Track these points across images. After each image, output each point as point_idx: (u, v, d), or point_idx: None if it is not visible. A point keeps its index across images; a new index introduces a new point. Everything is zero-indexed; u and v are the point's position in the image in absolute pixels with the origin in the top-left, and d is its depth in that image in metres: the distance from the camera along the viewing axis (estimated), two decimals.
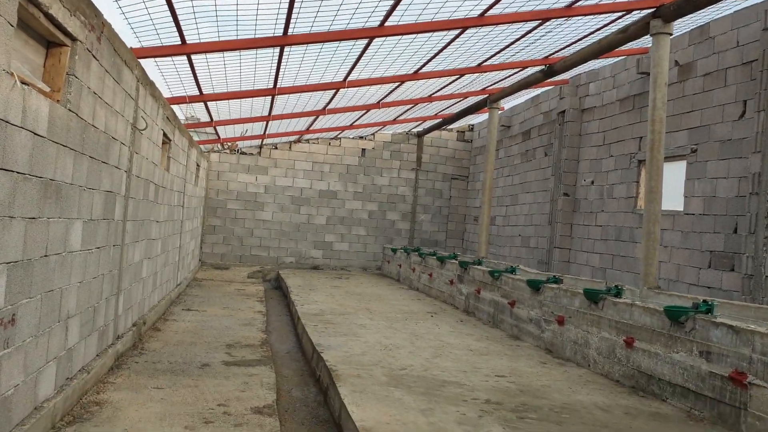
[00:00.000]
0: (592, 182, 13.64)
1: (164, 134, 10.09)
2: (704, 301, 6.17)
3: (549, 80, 13.62)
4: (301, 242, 20.20)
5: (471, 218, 20.85)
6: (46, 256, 4.74)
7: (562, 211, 14.26)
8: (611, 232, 12.76)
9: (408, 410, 5.51)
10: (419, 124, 19.48)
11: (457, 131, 21.38)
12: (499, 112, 18.28)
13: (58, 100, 4.90)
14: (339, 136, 20.18)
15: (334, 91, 12.10)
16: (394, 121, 17.81)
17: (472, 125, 21.40)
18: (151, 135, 8.80)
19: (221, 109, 12.94)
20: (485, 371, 7.14)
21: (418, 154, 21.04)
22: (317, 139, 20.08)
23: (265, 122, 14.58)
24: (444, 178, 21.32)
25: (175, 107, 12.29)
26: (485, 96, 14.67)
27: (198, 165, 15.80)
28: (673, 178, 10.85)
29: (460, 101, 15.84)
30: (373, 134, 20.58)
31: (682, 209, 10.78)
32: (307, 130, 17.11)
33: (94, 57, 5.55)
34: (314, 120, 15.34)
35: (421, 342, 8.78)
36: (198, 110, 13.45)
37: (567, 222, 14.28)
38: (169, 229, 11.49)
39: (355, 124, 17.27)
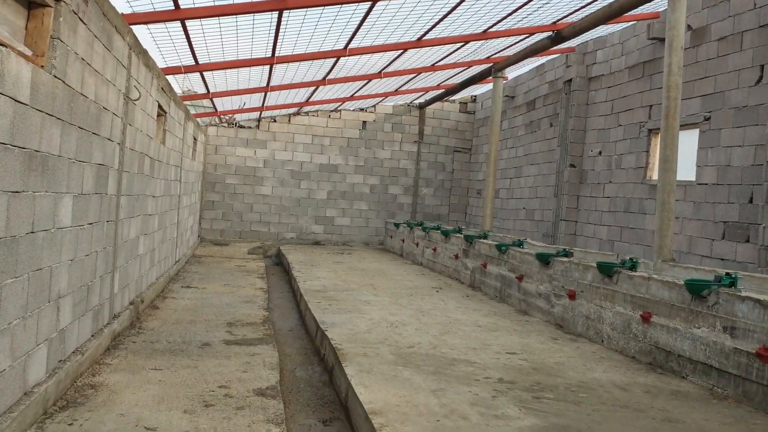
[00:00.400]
0: (600, 153, 13.30)
1: (159, 106, 9.74)
2: (727, 273, 5.89)
3: (556, 47, 13.19)
4: (302, 217, 19.91)
5: (474, 191, 20.53)
6: (32, 232, 4.43)
7: (569, 183, 13.95)
8: (619, 204, 12.46)
9: (418, 391, 5.25)
10: (421, 95, 19.08)
11: (460, 102, 20.97)
12: (504, 82, 17.90)
13: (42, 66, 4.56)
14: (339, 109, 19.78)
15: (335, 59, 11.71)
16: (396, 92, 17.41)
17: (475, 96, 20.99)
18: (146, 106, 8.45)
19: (218, 81, 12.56)
20: (496, 348, 6.88)
21: (420, 127, 20.65)
22: (317, 111, 19.68)
23: (263, 93, 14.20)
24: (446, 151, 20.96)
25: (170, 78, 11.91)
26: (490, 65, 14.26)
27: (195, 139, 15.45)
28: (685, 147, 10.51)
29: (463, 71, 15.43)
30: (374, 106, 20.18)
31: (694, 179, 10.46)
32: (307, 102, 16.73)
33: (81, 20, 5.19)
34: (314, 91, 14.95)
35: (428, 318, 8.52)
36: (194, 83, 13.06)
37: (573, 194, 13.96)
38: (166, 204, 11.18)
39: (356, 95, 16.87)
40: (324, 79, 13.51)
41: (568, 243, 13.79)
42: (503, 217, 17.91)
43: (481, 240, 11.37)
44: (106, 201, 6.50)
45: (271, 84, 13.18)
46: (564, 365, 6.31)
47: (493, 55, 14.03)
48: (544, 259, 8.63)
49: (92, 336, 6.31)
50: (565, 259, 8.32)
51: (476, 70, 15.13)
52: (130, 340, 7.18)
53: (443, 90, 17.84)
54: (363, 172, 20.27)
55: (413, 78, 15.72)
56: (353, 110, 20.08)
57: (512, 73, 17.41)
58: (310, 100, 16.55)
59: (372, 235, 20.43)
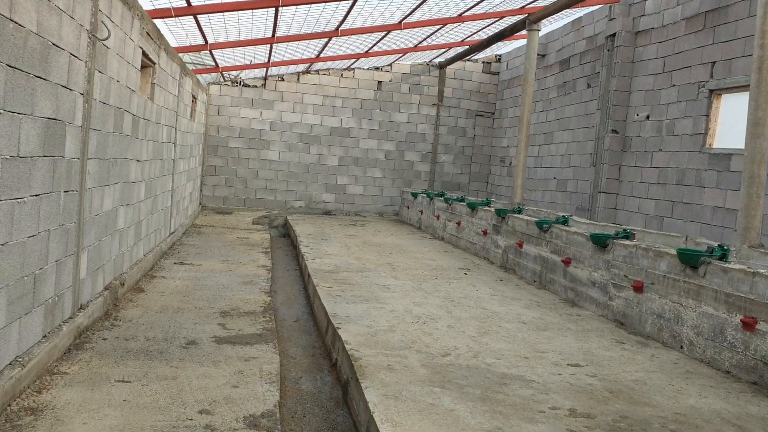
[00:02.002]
0: (648, 117, 11.75)
1: (144, 55, 8.28)
2: None
3: None
4: (311, 185, 18.48)
5: (497, 159, 19.00)
6: None
7: (610, 151, 12.43)
8: (671, 175, 10.95)
9: None
10: (443, 52, 17.45)
11: (483, 62, 19.33)
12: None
13: None
14: (352, 67, 18.20)
15: (350, 3, 10.16)
16: (416, 48, 15.81)
17: (500, 56, 19.34)
18: (123, 52, 6.99)
19: (217, 29, 11.04)
20: (552, 357, 5.49)
21: (439, 88, 19.06)
22: (328, 69, 18.12)
23: (269, 46, 12.67)
24: (468, 115, 19.38)
25: (165, 30, 10.41)
26: (524, 16, 12.65)
27: (194, 97, 13.98)
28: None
29: (493, 23, 13.81)
30: (390, 65, 18.58)
31: None
32: (317, 58, 15.17)
33: None
34: (326, 44, 13.39)
35: (460, 311, 7.13)
36: (191, 33, 11.54)
37: (615, 163, 12.45)
38: (157, 169, 9.78)
39: (371, 51, 15.30)
40: (337, 29, 11.96)
41: (608, 218, 12.33)
42: (531, 187, 16.41)
43: (516, 215, 9.92)
44: (62, 166, 5.10)
45: (278, 34, 11.65)
46: (646, 385, 4.91)
47: (527, 4, 12.42)
48: (601, 242, 7.19)
49: (44, 337, 4.96)
50: (627, 242, 6.88)
51: (508, 22, 13.51)
52: (101, 336, 5.84)
53: (467, 47, 16.23)
54: (377, 137, 18.77)
55: (436, 32, 14.14)
56: (367, 69, 18.49)
57: (544, 28, 15.74)
58: (321, 55, 14.99)
59: (386, 205, 19.00)
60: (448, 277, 9.22)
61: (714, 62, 10.18)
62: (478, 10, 12.20)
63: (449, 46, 16.25)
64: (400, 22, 12.16)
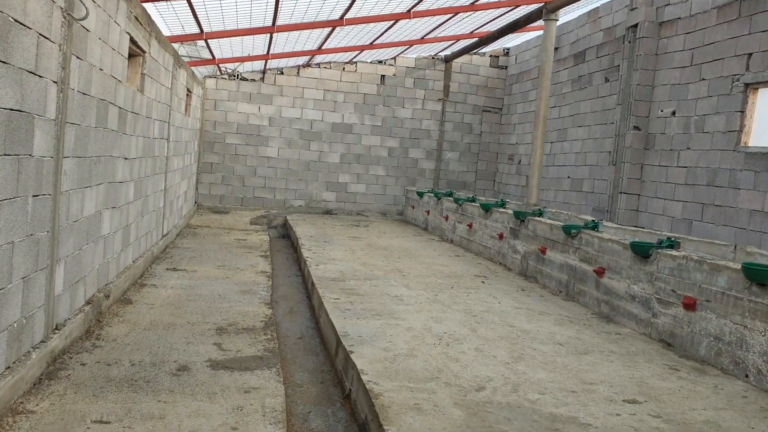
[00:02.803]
0: (673, 113, 11.00)
1: (133, 41, 7.49)
2: None
3: None
4: (312, 183, 17.68)
5: (504, 157, 18.23)
6: None
7: (632, 149, 11.66)
8: (701, 175, 10.20)
9: None
10: (451, 45, 16.64)
11: (491, 56, 18.54)
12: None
13: None
14: (355, 60, 17.41)
15: None
16: (423, 40, 15.02)
17: (508, 49, 18.55)
18: (108, 36, 6.21)
19: (213, 17, 10.24)
20: (603, 390, 4.72)
21: (445, 82, 18.28)
22: (329, 63, 17.31)
23: (268, 36, 11.86)
24: (474, 111, 18.59)
25: (152, 12, 9.61)
26: (540, 5, 11.88)
27: (189, 91, 13.19)
28: None
29: (504, 14, 13.04)
30: (393, 58, 17.79)
31: None
32: (319, 50, 14.37)
33: None
34: (329, 34, 12.59)
35: (485, 328, 6.36)
36: (186, 23, 10.73)
37: (637, 162, 11.69)
38: (148, 167, 9.00)
39: (376, 42, 14.50)
40: (342, 17, 11.16)
41: (629, 220, 11.58)
42: (542, 187, 15.63)
43: (537, 218, 9.15)
44: (29, 166, 4.31)
45: (278, 23, 10.86)
46: (721, 428, 4.14)
47: None
48: (643, 251, 6.43)
49: (7, 369, 4.19)
50: (675, 252, 6.11)
51: (521, 12, 12.73)
52: (79, 361, 5.07)
53: (476, 39, 15.45)
54: (381, 133, 17.97)
55: (445, 22, 13.36)
56: (370, 62, 17.70)
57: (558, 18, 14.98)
58: (323, 47, 14.19)
59: (390, 204, 18.22)
60: (465, 287, 8.46)
61: (751, 54, 9.41)
62: None
63: (457, 38, 15.48)
64: (409, 10, 11.38)
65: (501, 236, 10.25)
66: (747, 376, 5.10)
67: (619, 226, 8.27)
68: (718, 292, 5.46)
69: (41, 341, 4.84)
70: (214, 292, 7.94)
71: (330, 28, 11.82)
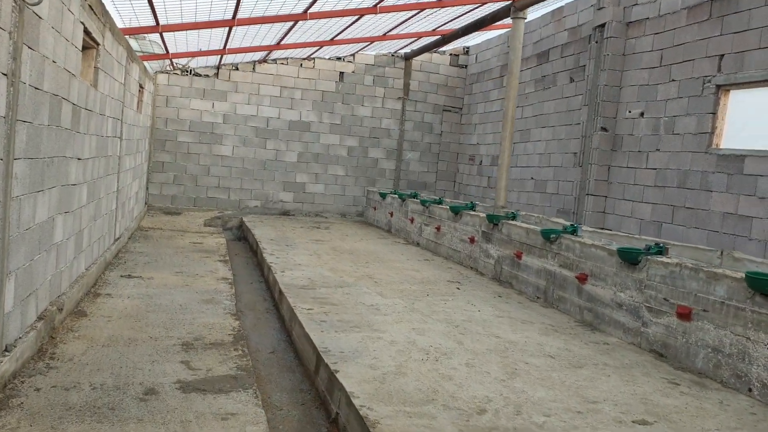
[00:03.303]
0: (642, 114, 10.91)
1: (86, 32, 6.92)
2: None
3: None
4: (268, 183, 17.14)
5: (465, 157, 18.02)
6: None
7: (599, 150, 11.54)
8: (671, 177, 10.12)
9: None
10: (412, 42, 16.32)
11: (451, 54, 18.30)
12: (508, 29, 15.35)
13: None
14: (313, 56, 16.93)
15: None
16: (384, 37, 14.66)
17: (468, 48, 18.35)
18: (61, 26, 5.66)
19: (171, 9, 9.67)
20: (609, 410, 4.44)
21: (405, 81, 17.96)
22: (286, 59, 16.80)
23: (226, 30, 11.32)
24: (435, 110, 18.33)
25: (106, 2, 8.99)
26: (508, 3, 11.65)
27: (141, 87, 12.52)
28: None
29: (468, 12, 12.76)
30: (352, 55, 17.38)
31: None
32: (278, 45, 13.86)
33: None
34: (290, 29, 12.11)
35: (471, 340, 6.04)
36: (142, 14, 10.12)
37: (604, 163, 11.57)
38: (101, 168, 8.40)
39: (336, 39, 14.08)
40: (306, 11, 10.71)
41: (596, 222, 11.46)
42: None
43: (511, 222, 8.90)
44: None
45: (239, 16, 10.34)
46: None
47: None
48: (631, 258, 6.20)
49: None
50: (667, 260, 5.90)
51: (488, 10, 12.49)
52: (32, 386, 4.55)
53: (439, 37, 15.17)
54: (339, 132, 17.55)
55: (409, 19, 13.03)
56: (329, 59, 17.25)
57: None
58: (283, 42, 13.69)
59: (349, 205, 17.81)
60: (441, 293, 8.14)
61: (722, 55, 9.35)
62: None
63: (419, 36, 15.18)
64: (375, 5, 11.00)
65: (472, 240, 9.97)
66: (750, 390, 4.90)
67: (595, 230, 8.08)
68: (716, 301, 5.26)
69: None
70: (174, 302, 7.42)
71: (292, 23, 11.35)
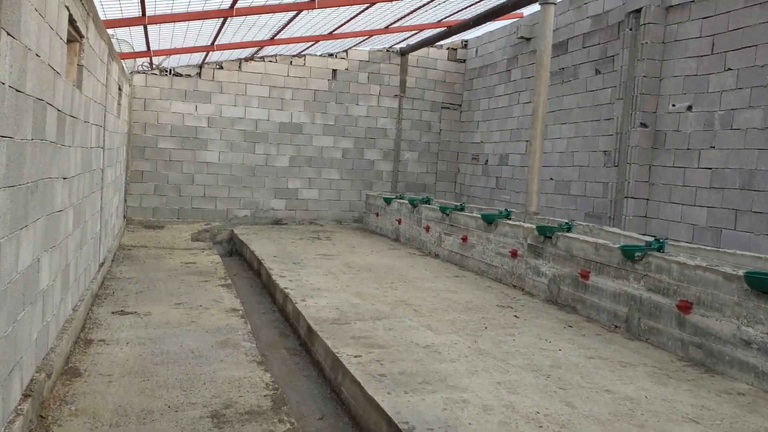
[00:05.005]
0: (689, 107, 9.82)
1: (72, 22, 5.55)
2: None
3: None
4: (258, 190, 15.74)
5: (467, 156, 16.83)
6: None
7: (638, 148, 10.43)
8: (732, 178, 9.04)
9: None
10: (414, 34, 15.04)
11: (448, 48, 17.08)
12: (517, 20, 14.22)
13: None
14: (303, 53, 15.57)
15: None
16: (387, 30, 13.37)
17: (466, 41, 17.15)
18: (45, 9, 4.29)
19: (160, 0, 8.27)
20: None
21: (401, 77, 16.69)
22: (275, 56, 15.41)
23: (220, 21, 9.93)
24: (433, 108, 17.10)
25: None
26: None
27: (120, 88, 11.06)
28: None
29: (478, 2, 11.49)
30: (345, 51, 16.06)
31: None
32: (272, 40, 12.47)
33: None
34: (290, 20, 10.74)
35: (581, 399, 4.80)
36: (126, 4, 8.68)
37: (645, 163, 10.46)
38: (86, 186, 7.01)
39: (335, 32, 12.75)
40: None
41: (637, 227, 10.35)
42: (516, 188, 14.34)
43: (570, 235, 7.69)
44: None
45: (237, 5, 8.97)
46: None
47: None
48: (762, 286, 5.03)
49: None
50: None
51: None
52: None
53: (444, 28, 13.93)
54: (333, 133, 16.21)
55: (416, 10, 11.78)
56: (320, 55, 15.90)
57: (528, 8, 13.60)
58: (277, 37, 12.31)
59: (345, 211, 16.49)
60: (499, 324, 6.90)
61: None
62: None
63: (422, 28, 13.92)
64: None
65: (514, 254, 8.75)
66: None
67: (679, 244, 6.92)
68: None
69: None
70: (184, 346, 6.08)
71: (294, 13, 10.01)
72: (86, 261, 7.37)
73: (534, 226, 8.26)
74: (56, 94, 4.84)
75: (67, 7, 5.11)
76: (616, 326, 6.80)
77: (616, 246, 6.72)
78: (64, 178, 5.50)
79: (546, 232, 7.96)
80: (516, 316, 7.24)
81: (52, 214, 5.02)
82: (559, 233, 7.80)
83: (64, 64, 5.18)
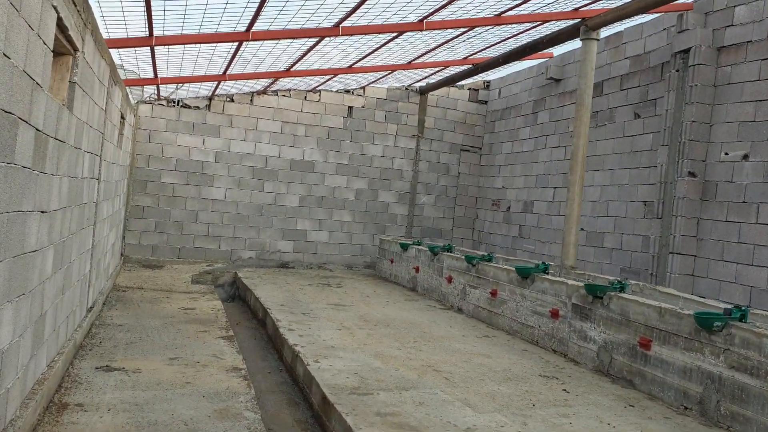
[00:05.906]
0: (746, 156, 8.92)
1: (61, 26, 4.68)
2: None
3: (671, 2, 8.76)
4: (265, 230, 14.80)
5: (486, 202, 15.94)
6: None
7: (686, 200, 9.50)
8: None
9: None
10: (436, 72, 14.25)
11: (470, 89, 16.34)
12: (546, 60, 13.47)
13: None
14: (318, 88, 14.81)
15: None
16: (409, 66, 12.57)
17: (488, 82, 16.42)
18: (27, 9, 3.41)
19: (171, 16, 7.45)
20: None
21: (420, 117, 15.90)
22: (288, 90, 14.65)
23: (235, 45, 9.12)
24: (452, 150, 16.27)
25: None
26: (577, 20, 9.68)
27: (123, 117, 10.22)
28: None
29: (534, 27, 10.65)
30: (362, 88, 15.30)
31: None
32: (288, 72, 11.67)
33: None
34: (310, 49, 9.92)
35: None
36: (131, 19, 7.88)
37: (692, 215, 9.53)
38: (74, 221, 6.08)
39: (354, 66, 11.95)
40: (337, 25, 8.57)
41: (684, 286, 9.36)
42: (541, 238, 13.39)
43: (625, 296, 6.70)
44: None
45: (254, 28, 8.16)
46: None
47: (581, 7, 9.47)
48: None
49: None
50: None
51: (553, 27, 10.47)
52: None
53: (470, 66, 13.15)
54: (347, 173, 15.35)
55: (440, 46, 11.01)
56: (336, 91, 15.14)
57: (558, 48, 12.83)
58: (294, 69, 11.52)
59: (356, 255, 15.52)
60: (548, 401, 5.87)
61: None
62: (521, 10, 9.12)
63: (447, 65, 13.14)
64: (422, 20, 8.91)
65: (555, 314, 7.74)
66: None
67: (755, 311, 5.93)
68: None
69: None
70: (176, 416, 5.08)
71: (316, 39, 9.20)
72: (70, 307, 6.39)
73: (581, 284, 7.27)
74: (34, 109, 3.94)
75: (54, 7, 4.24)
76: (686, 407, 5.76)
77: (688, 312, 5.73)
78: (43, 212, 4.58)
79: (596, 292, 6.97)
80: (565, 390, 6.21)
81: (22, 256, 4.07)
82: (612, 293, 6.81)
83: (48, 75, 4.29)
